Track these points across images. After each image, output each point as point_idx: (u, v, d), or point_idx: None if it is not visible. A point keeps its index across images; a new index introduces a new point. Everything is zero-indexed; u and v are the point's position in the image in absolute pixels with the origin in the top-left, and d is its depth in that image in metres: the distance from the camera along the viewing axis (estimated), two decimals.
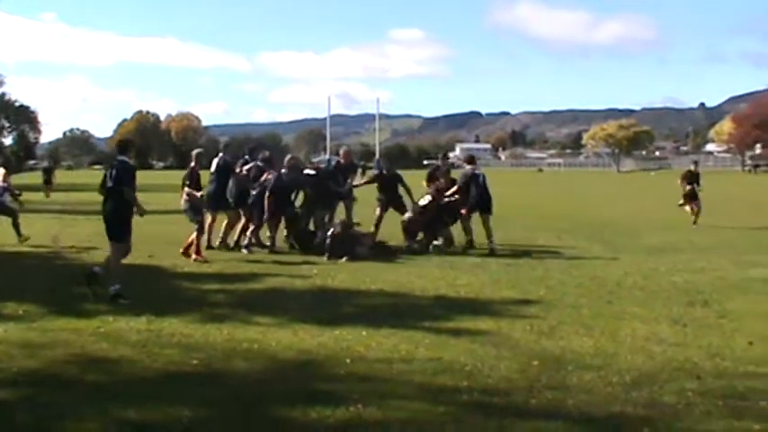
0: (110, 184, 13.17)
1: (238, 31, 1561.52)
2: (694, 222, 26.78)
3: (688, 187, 28.09)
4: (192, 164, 18.22)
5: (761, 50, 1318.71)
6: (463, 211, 19.47)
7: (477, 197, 19.44)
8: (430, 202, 19.58)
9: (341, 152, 22.67)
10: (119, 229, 13.29)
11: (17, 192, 21.91)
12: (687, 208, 28.07)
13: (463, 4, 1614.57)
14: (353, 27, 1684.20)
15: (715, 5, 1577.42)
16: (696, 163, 31.46)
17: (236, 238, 19.39)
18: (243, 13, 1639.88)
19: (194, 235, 17.37)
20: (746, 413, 7.23)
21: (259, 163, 19.78)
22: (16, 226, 20.20)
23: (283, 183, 18.83)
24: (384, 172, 20.88)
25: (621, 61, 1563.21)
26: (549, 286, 14.26)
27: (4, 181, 20.92)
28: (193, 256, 17.26)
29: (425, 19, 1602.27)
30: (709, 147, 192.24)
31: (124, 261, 13.42)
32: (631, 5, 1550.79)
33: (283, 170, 19.25)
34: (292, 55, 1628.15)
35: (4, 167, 21.88)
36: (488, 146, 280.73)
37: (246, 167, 19.68)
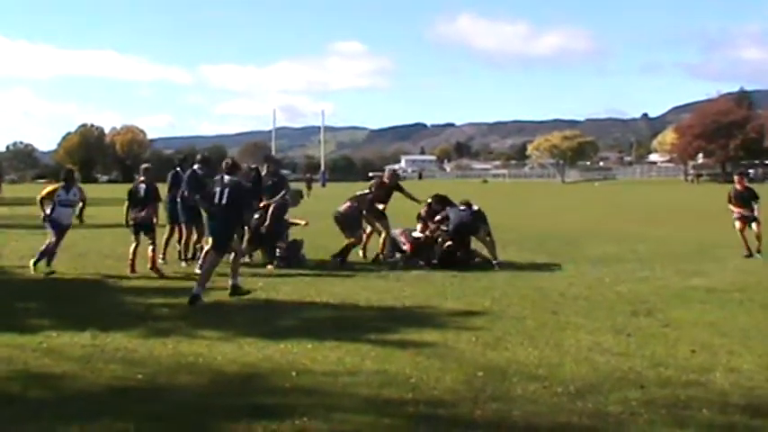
0: (224, 201, 14.44)
1: (178, 44, 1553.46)
2: (758, 251, 21.47)
3: (736, 211, 22.15)
4: (142, 178, 18.17)
5: (695, 62, 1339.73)
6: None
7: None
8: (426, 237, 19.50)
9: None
10: (226, 241, 14.65)
11: None
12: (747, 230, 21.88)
13: (403, 18, 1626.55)
14: (294, 40, 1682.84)
15: (650, 18, 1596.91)
16: (743, 175, 24.08)
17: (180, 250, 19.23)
18: (181, 26, 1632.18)
19: (150, 249, 17.34)
20: (689, 422, 7.30)
21: (197, 169, 19.27)
22: None
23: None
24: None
25: (562, 72, 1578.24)
26: (493, 298, 14.31)
27: None
28: (149, 266, 17.35)
29: (365, 32, 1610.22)
30: (653, 157, 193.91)
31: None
32: (569, 18, 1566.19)
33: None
34: (234, 68, 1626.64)
35: None
36: (433, 157, 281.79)
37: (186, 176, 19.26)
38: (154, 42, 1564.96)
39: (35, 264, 17.33)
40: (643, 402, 7.80)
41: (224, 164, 15.32)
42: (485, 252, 19.07)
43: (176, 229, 19.39)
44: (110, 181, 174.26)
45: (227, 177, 14.76)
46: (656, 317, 12.47)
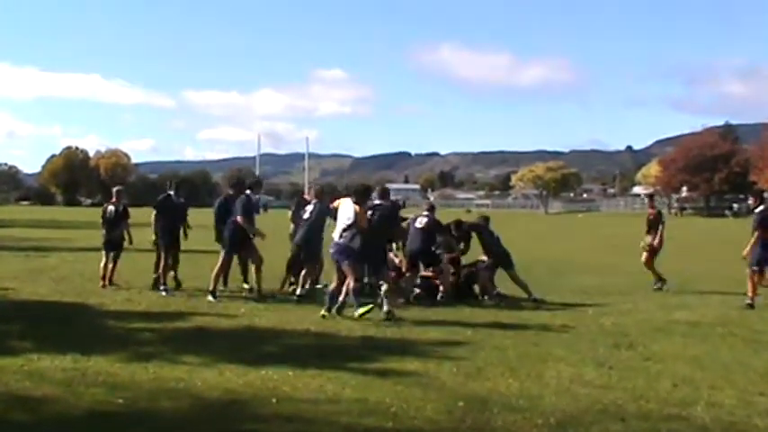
0: (375, 224, 15.50)
1: (161, 69, 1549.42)
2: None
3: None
4: (114, 200, 18.42)
5: (679, 95, 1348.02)
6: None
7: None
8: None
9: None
10: (382, 264, 15.85)
11: None
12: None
13: (384, 46, 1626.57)
14: (276, 67, 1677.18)
15: (632, 51, 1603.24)
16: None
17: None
18: (165, 51, 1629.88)
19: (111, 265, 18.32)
20: None
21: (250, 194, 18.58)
22: None
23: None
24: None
25: (546, 104, 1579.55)
26: (475, 327, 14.29)
27: None
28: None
29: (347, 59, 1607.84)
30: (636, 189, 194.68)
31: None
32: (552, 49, 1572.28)
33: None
34: (217, 94, 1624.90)
35: None
36: (417, 186, 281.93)
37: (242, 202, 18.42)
38: (137, 66, 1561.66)
39: None
40: None
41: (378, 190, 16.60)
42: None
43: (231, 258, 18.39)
44: (93, 204, 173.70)
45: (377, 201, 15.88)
46: (637, 350, 12.46)
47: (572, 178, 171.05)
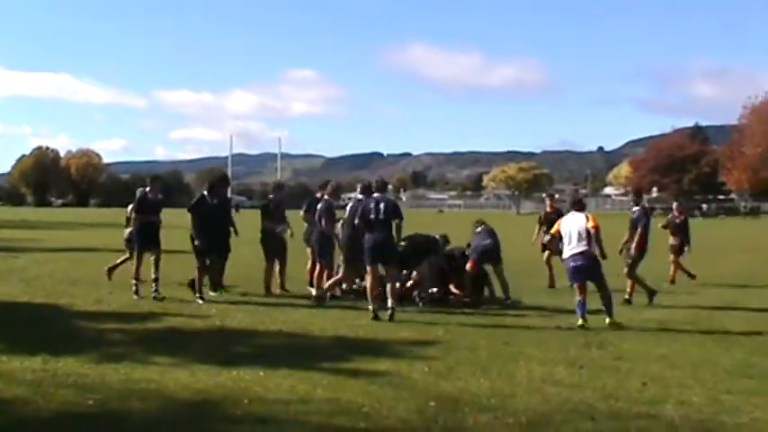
0: (382, 216, 15.39)
1: (131, 69, 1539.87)
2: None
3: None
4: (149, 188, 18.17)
5: (648, 96, 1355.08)
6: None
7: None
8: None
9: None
10: (393, 254, 15.84)
11: None
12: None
13: (354, 46, 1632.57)
14: (247, 67, 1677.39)
15: (601, 52, 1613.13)
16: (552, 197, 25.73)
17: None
18: (136, 51, 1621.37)
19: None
20: None
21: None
22: None
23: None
24: None
25: (517, 104, 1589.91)
26: (447, 327, 14.33)
27: None
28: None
29: (318, 59, 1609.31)
30: (608, 190, 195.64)
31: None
32: (522, 49, 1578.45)
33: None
34: (188, 94, 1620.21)
35: None
36: (390, 187, 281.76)
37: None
38: (108, 66, 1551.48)
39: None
40: None
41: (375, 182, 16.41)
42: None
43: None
44: (64, 204, 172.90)
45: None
46: (607, 349, 12.53)
47: (544, 179, 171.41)
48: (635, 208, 19.54)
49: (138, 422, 8.15)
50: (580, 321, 14.76)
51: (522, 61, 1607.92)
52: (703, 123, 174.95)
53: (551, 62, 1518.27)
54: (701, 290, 21.42)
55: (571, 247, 15.38)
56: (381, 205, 15.33)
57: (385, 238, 15.29)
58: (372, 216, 15.25)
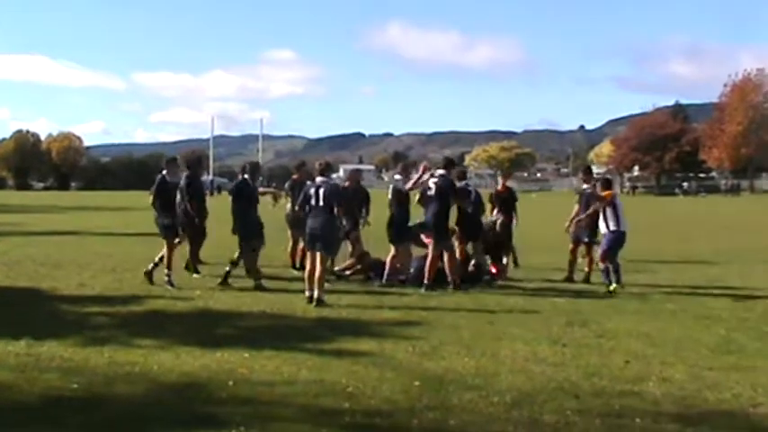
0: (321, 202, 15.02)
1: (111, 50, 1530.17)
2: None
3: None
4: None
5: (627, 75, 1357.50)
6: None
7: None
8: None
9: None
10: (333, 239, 15.56)
11: None
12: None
13: (332, 26, 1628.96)
14: (226, 48, 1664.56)
15: (578, 29, 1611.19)
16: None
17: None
18: (114, 33, 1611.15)
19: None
20: (623, 431, 7.39)
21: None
22: None
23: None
24: None
25: (496, 83, 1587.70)
26: (430, 307, 14.36)
27: None
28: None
29: (296, 40, 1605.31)
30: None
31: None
32: (500, 27, 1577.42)
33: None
34: (168, 76, 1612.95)
35: None
36: (372, 167, 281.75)
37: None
38: (85, 47, 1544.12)
39: None
40: (577, 412, 7.87)
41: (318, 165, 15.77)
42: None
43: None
44: (45, 188, 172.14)
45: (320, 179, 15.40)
46: (590, 327, 12.57)
47: (526, 158, 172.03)
48: (585, 186, 19.20)
49: (124, 405, 8.13)
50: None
51: (500, 40, 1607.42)
52: (684, 101, 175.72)
53: (529, 40, 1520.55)
54: (683, 267, 21.48)
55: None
56: (321, 190, 15.20)
57: (323, 224, 15.14)
58: (313, 202, 15.16)
